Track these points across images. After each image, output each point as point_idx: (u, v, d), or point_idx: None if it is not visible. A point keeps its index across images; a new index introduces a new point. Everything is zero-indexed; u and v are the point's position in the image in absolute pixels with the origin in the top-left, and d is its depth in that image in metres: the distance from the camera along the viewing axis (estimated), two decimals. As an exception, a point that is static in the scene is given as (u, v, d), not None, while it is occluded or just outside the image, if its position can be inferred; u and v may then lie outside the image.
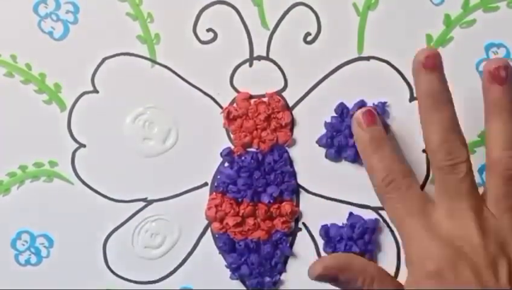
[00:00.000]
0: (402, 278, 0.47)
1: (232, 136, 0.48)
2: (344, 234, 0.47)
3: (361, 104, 0.47)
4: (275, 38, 0.47)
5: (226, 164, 0.48)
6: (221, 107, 0.48)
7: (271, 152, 0.48)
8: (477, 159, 0.47)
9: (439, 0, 0.46)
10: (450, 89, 0.46)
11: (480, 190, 0.47)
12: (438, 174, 0.40)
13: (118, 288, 0.49)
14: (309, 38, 0.47)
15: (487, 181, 0.41)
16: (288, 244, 0.48)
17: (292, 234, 0.48)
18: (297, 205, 0.48)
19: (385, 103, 0.47)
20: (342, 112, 0.47)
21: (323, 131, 0.47)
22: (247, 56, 0.48)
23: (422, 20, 0.46)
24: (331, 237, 0.47)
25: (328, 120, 0.47)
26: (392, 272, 0.48)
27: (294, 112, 0.48)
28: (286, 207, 0.47)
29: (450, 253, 0.38)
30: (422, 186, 0.47)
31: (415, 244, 0.39)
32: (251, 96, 0.48)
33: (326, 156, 0.47)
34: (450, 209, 0.40)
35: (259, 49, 0.48)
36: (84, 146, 0.49)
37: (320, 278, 0.41)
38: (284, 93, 0.48)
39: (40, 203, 0.49)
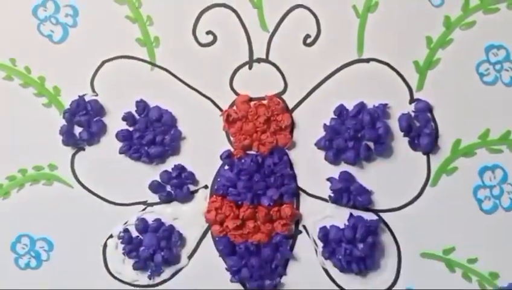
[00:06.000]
0: (403, 281, 0.48)
1: (232, 138, 0.48)
2: (344, 236, 0.47)
3: (361, 106, 0.47)
4: (274, 41, 0.47)
5: (226, 167, 0.48)
6: (221, 109, 0.48)
7: (271, 155, 0.47)
8: (478, 160, 0.47)
9: (439, 1, 0.46)
10: (451, 90, 0.47)
11: (482, 192, 0.47)
12: None
13: (118, 291, 0.49)
14: (309, 40, 0.47)
15: None
16: (288, 247, 0.48)
17: (292, 236, 0.48)
18: (298, 207, 0.48)
19: (386, 104, 0.47)
20: (342, 114, 0.47)
21: (324, 133, 0.47)
22: (247, 58, 0.48)
23: (422, 22, 0.46)
24: (330, 240, 0.47)
25: (328, 122, 0.47)
26: (392, 275, 0.48)
27: (294, 114, 0.48)
28: (286, 210, 0.47)
29: None
30: (423, 189, 0.47)
31: None
32: (251, 99, 0.48)
33: (325, 159, 0.47)
34: None
35: (259, 52, 0.48)
36: (84, 149, 0.49)
37: None
38: (283, 96, 0.48)
39: (39, 207, 0.49)
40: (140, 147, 0.48)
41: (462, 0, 0.46)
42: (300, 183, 0.48)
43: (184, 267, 0.49)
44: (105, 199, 0.49)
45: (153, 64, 0.48)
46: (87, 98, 0.48)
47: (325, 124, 0.47)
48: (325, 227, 0.48)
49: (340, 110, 0.47)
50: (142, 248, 0.49)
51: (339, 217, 0.48)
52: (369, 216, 0.48)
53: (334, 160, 0.47)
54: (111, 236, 0.49)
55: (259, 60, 0.48)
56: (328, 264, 0.48)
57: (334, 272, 0.48)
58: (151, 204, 0.49)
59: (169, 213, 0.49)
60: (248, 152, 0.48)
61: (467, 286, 0.47)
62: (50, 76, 0.48)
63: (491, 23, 0.46)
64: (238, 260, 0.48)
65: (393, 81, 0.47)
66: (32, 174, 0.49)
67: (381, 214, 0.48)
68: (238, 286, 0.49)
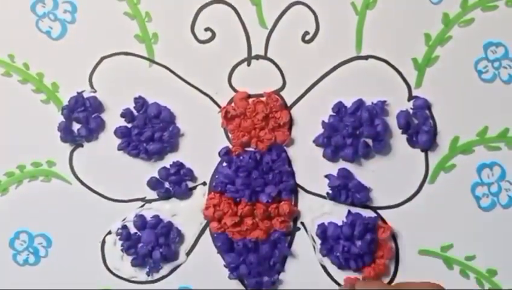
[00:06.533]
0: (400, 278, 0.48)
1: (230, 135, 0.48)
2: (342, 233, 0.47)
3: (360, 103, 0.47)
4: (273, 38, 0.47)
5: (225, 164, 0.48)
6: (219, 106, 0.48)
7: (269, 152, 0.47)
8: (476, 157, 0.47)
9: (438, -1, 0.46)
10: (449, 87, 0.47)
11: (480, 189, 0.47)
12: None
13: (117, 288, 0.49)
14: (307, 37, 0.47)
15: None
16: (286, 244, 0.48)
17: (291, 233, 0.48)
18: (296, 204, 0.48)
19: (384, 101, 0.47)
20: (340, 111, 0.47)
21: (322, 130, 0.47)
22: (245, 55, 0.48)
23: (420, 19, 0.46)
24: (328, 237, 0.47)
25: (327, 119, 0.47)
26: (390, 272, 0.48)
27: (292, 111, 0.48)
28: (284, 207, 0.47)
29: None
30: (421, 186, 0.47)
31: None
32: (249, 96, 0.48)
33: (323, 156, 0.47)
34: None
35: (258, 48, 0.48)
36: (82, 146, 0.49)
37: None
38: (282, 93, 0.48)
39: (38, 203, 0.49)
40: (138, 143, 0.48)
41: (460, -2, 0.46)
42: (299, 180, 0.48)
43: (182, 264, 0.49)
44: (103, 196, 0.49)
45: (152, 61, 0.48)
46: (85, 95, 0.48)
47: (323, 121, 0.47)
48: (323, 224, 0.48)
49: (339, 107, 0.47)
50: (140, 245, 0.49)
51: (337, 214, 0.48)
52: (367, 213, 0.48)
53: (333, 157, 0.47)
54: (109, 232, 0.49)
55: (257, 57, 0.48)
56: (326, 261, 0.48)
57: (332, 269, 0.48)
58: (150, 201, 0.49)
59: (168, 210, 0.49)
60: (246, 149, 0.48)
61: (465, 283, 0.47)
62: (48, 72, 0.48)
63: (489, 20, 0.46)
64: (236, 256, 0.48)
65: (392, 79, 0.47)
66: (30, 170, 0.49)
67: (379, 211, 0.48)
68: (236, 282, 0.49)
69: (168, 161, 0.48)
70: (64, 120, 0.48)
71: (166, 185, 0.48)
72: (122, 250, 0.49)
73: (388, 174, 0.47)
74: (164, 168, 0.48)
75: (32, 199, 0.49)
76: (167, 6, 0.47)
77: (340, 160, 0.47)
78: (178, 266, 0.49)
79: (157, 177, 0.48)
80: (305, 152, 0.48)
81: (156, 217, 0.48)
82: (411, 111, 0.47)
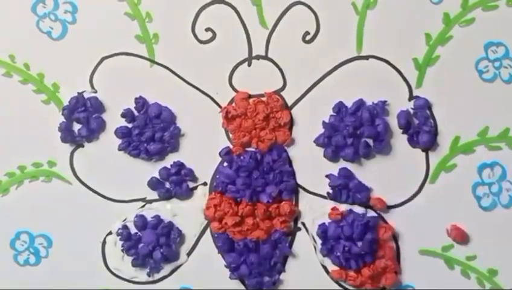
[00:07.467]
0: (401, 278, 0.48)
1: (231, 135, 0.48)
2: (343, 233, 0.47)
3: (360, 103, 0.47)
4: (273, 38, 0.47)
5: (225, 164, 0.48)
6: (220, 106, 0.48)
7: (270, 152, 0.47)
8: (477, 157, 0.47)
9: (438, -2, 0.46)
10: (450, 87, 0.47)
11: (480, 189, 0.47)
12: None
13: (117, 288, 0.49)
14: (308, 37, 0.47)
15: None
16: (287, 244, 0.48)
17: (291, 233, 0.48)
18: (296, 204, 0.48)
19: (385, 101, 0.47)
20: (341, 111, 0.47)
21: (323, 130, 0.47)
22: (246, 55, 0.48)
23: (421, 19, 0.46)
24: (329, 237, 0.47)
25: (327, 119, 0.47)
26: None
27: (293, 111, 0.48)
28: (285, 207, 0.47)
29: None
30: (421, 186, 0.47)
31: None
32: (250, 96, 0.48)
33: (324, 156, 0.47)
34: None
35: (258, 49, 0.48)
36: (83, 146, 0.49)
37: None
38: (282, 93, 0.48)
39: (38, 204, 0.49)
40: (139, 143, 0.48)
41: (461, -3, 0.46)
42: (299, 180, 0.48)
43: (183, 264, 0.49)
44: (104, 196, 0.49)
45: (152, 61, 0.48)
46: (86, 95, 0.48)
47: (324, 121, 0.47)
48: (324, 224, 0.48)
49: (339, 107, 0.47)
50: (141, 245, 0.49)
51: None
52: (368, 213, 0.48)
53: (333, 157, 0.47)
54: (110, 233, 0.49)
55: (258, 57, 0.48)
56: (327, 261, 0.48)
57: (333, 269, 0.48)
58: (150, 201, 0.49)
59: (169, 210, 0.49)
60: (247, 149, 0.48)
61: (466, 283, 0.47)
62: (49, 73, 0.48)
63: (490, 20, 0.46)
64: (237, 256, 0.48)
65: (393, 78, 0.47)
66: (31, 170, 0.49)
67: (379, 211, 0.48)
68: (237, 282, 0.49)
69: (169, 161, 0.48)
70: (64, 120, 0.48)
71: (167, 185, 0.48)
72: (122, 250, 0.49)
73: (389, 174, 0.47)
74: (165, 168, 0.48)
75: (32, 200, 0.49)
76: (168, 7, 0.47)
77: (341, 160, 0.47)
78: (179, 267, 0.49)
79: (158, 177, 0.48)
80: (306, 152, 0.48)
81: (157, 217, 0.48)
82: (412, 111, 0.47)
